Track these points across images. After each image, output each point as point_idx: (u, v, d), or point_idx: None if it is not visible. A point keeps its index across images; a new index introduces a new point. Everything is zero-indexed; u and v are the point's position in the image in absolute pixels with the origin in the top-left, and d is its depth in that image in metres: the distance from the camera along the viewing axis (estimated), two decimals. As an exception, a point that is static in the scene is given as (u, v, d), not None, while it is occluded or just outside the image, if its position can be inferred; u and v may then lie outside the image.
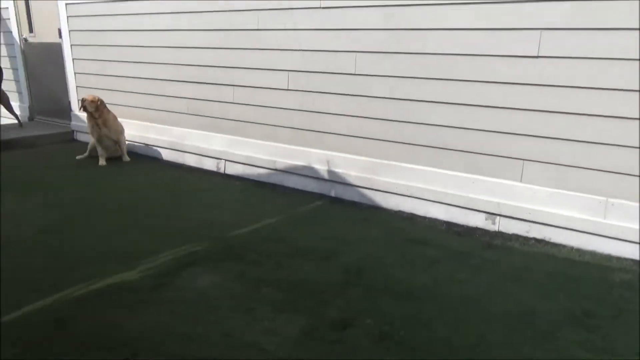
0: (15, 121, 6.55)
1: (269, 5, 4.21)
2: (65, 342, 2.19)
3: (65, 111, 6.55)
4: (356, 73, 3.85)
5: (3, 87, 6.36)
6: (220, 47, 4.65)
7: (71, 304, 2.50)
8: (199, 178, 4.78)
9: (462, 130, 3.48)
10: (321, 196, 4.22)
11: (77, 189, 4.44)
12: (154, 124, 5.51)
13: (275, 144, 4.51)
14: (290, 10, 4.09)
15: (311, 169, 4.29)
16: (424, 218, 3.72)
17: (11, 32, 6.92)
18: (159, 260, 2.96)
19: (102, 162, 5.26)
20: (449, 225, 3.59)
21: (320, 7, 3.93)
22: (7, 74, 7.06)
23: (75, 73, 6.16)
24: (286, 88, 4.29)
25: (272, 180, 4.56)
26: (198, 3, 4.68)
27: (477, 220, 3.53)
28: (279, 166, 4.48)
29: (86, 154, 5.50)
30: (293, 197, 4.23)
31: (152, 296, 2.58)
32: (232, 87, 4.67)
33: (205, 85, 4.89)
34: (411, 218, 3.74)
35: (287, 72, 4.25)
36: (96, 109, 5.06)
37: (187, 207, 3.95)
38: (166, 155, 5.44)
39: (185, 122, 5.19)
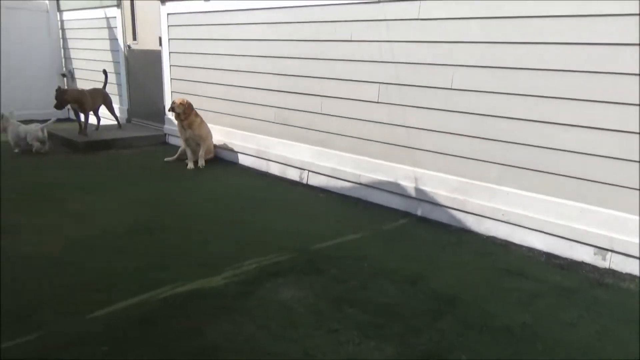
0: (115, 122, 7.00)
1: (363, 17, 4.13)
2: (150, 345, 2.20)
3: (159, 115, 6.90)
4: (452, 87, 3.65)
5: (106, 90, 6.84)
6: (311, 57, 4.65)
7: (157, 305, 2.53)
8: (283, 187, 4.78)
9: (568, 153, 3.16)
10: (406, 214, 4.04)
11: (165, 190, 4.60)
12: (241, 131, 5.62)
13: (361, 158, 4.40)
14: (385, 21, 3.98)
15: (397, 185, 4.12)
16: (520, 247, 3.42)
17: (117, 39, 7.44)
18: (243, 267, 2.93)
19: (190, 165, 5.43)
20: (549, 257, 3.26)
21: (417, 19, 3.78)
22: (111, 78, 7.59)
23: (171, 79, 6.47)
24: (376, 101, 4.18)
25: (355, 194, 4.45)
26: (289, 14, 4.72)
27: (583, 254, 3.18)
28: (363, 180, 4.36)
29: (175, 156, 5.72)
30: (377, 213, 4.08)
31: (235, 304, 2.54)
32: (321, 97, 4.64)
33: (294, 94, 4.90)
34: (505, 245, 3.45)
35: (378, 84, 4.14)
36: (183, 111, 5.26)
37: (271, 216, 3.93)
38: (251, 162, 5.52)
39: (271, 130, 5.23)
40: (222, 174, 5.21)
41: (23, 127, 5.81)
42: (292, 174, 5.04)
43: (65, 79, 8.81)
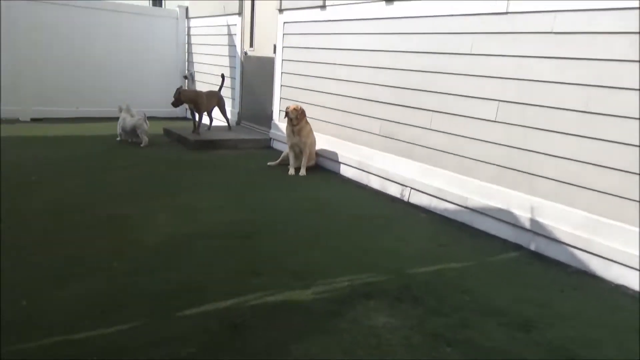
0: (225, 124, 7.31)
1: (486, 29, 3.83)
2: (236, 352, 2.13)
3: (267, 119, 7.08)
4: (589, 111, 3.21)
5: (221, 94, 7.18)
6: (424, 70, 4.42)
7: (247, 311, 2.47)
8: (382, 203, 4.59)
9: None
10: (517, 247, 3.63)
11: (265, 194, 4.63)
12: (344, 141, 5.53)
13: (470, 179, 4.06)
14: (513, 34, 3.64)
15: (509, 213, 3.73)
16: (659, 302, 2.88)
17: (235, 46, 7.79)
18: (335, 284, 2.79)
19: (291, 171, 5.46)
20: (699, 321, 2.69)
21: (551, 32, 3.40)
22: (226, 82, 7.98)
23: (281, 85, 6.60)
24: (493, 119, 3.83)
25: (460, 218, 4.12)
26: (403, 25, 4.54)
27: None
28: (470, 204, 4.02)
29: (277, 161, 5.79)
30: (483, 241, 3.73)
31: (322, 323, 2.40)
32: (431, 112, 4.38)
33: (402, 107, 4.69)
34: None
35: (497, 102, 3.80)
36: (296, 117, 5.29)
37: (367, 232, 3.76)
38: (351, 173, 5.40)
39: (375, 143, 5.07)
40: (322, 183, 5.15)
41: (130, 120, 6.34)
42: (393, 190, 4.83)
43: (186, 80, 9.44)
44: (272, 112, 6.90)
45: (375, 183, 5.06)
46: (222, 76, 7.30)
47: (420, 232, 3.86)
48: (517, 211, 3.68)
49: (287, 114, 5.32)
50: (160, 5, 10.87)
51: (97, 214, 3.75)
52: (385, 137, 4.93)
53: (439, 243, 3.63)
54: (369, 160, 5.13)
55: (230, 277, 2.83)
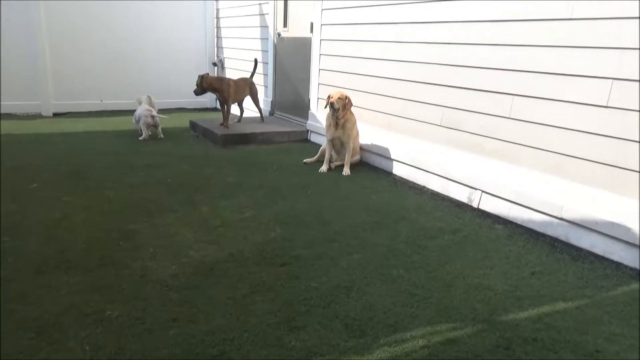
0: (258, 114, 6.56)
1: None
2: None
3: (303, 109, 6.29)
4: None
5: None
6: (497, 43, 3.51)
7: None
8: (446, 210, 3.73)
9: None
10: (638, 274, 2.73)
11: (303, 200, 3.86)
12: (396, 134, 4.68)
13: (566, 182, 3.16)
14: (634, -13, 2.69)
15: (624, 228, 2.82)
16: None
17: (267, 27, 7.00)
18: (405, 342, 1.99)
19: (324, 167, 4.68)
20: None
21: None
22: (258, 67, 7.23)
23: (319, 70, 5.79)
24: (604, 104, 2.91)
25: (552, 232, 3.23)
26: (480, -14, 3.63)
27: None
28: (567, 214, 3.12)
29: (315, 158, 5.01)
30: (590, 265, 2.83)
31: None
32: (511, 96, 3.48)
33: (470, 91, 3.80)
34: None
35: (610, 80, 2.87)
36: (342, 107, 4.48)
37: (435, 254, 2.92)
38: (404, 172, 4.55)
39: (434, 135, 4.21)
40: (369, 185, 4.32)
41: (137, 111, 5.83)
42: (458, 193, 3.96)
43: (216, 67, 8.76)
44: (309, 100, 6.10)
45: (435, 184, 4.20)
46: (255, 61, 6.53)
47: (503, 253, 2.99)
48: (635, 226, 2.77)
49: (330, 104, 4.47)
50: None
51: (96, 235, 3.07)
52: (448, 128, 4.06)
53: (532, 269, 2.76)
54: (428, 157, 4.27)
55: (259, 332, 2.06)
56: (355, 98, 4.80)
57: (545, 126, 3.28)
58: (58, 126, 6.54)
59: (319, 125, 5.81)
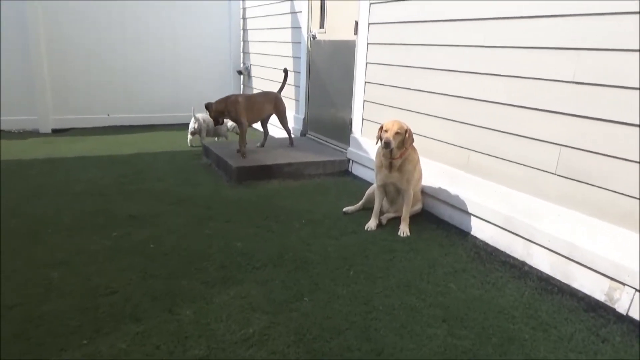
0: (286, 136, 5.26)
1: None
2: None
3: (343, 131, 4.96)
4: None
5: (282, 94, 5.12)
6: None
7: None
8: (573, 321, 2.28)
9: None
10: None
11: (337, 284, 2.51)
12: (474, 176, 3.28)
13: None
14: None
15: None
16: None
17: (300, 27, 5.70)
18: None
19: (372, 223, 3.33)
20: None
21: None
22: (288, 78, 5.95)
23: (365, 82, 4.43)
24: None
25: None
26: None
27: None
28: None
29: (359, 204, 3.67)
30: None
31: None
32: None
33: (621, 126, 2.36)
34: None
35: None
36: (401, 144, 3.12)
37: None
38: (490, 235, 3.13)
39: (544, 187, 2.78)
40: (441, 258, 2.93)
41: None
42: (588, 285, 2.51)
43: (241, 76, 7.54)
44: (350, 120, 4.76)
45: (543, 262, 2.76)
46: (285, 71, 5.20)
47: None
48: None
49: (387, 144, 3.05)
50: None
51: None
52: (572, 179, 2.62)
53: None
54: (529, 217, 2.84)
55: None
56: (414, 123, 3.40)
57: None
58: (48, 148, 5.43)
59: (363, 154, 4.45)
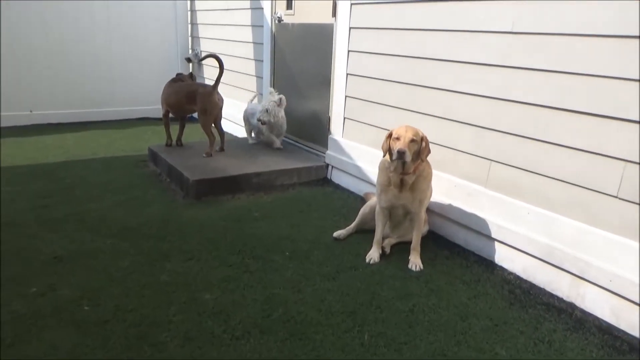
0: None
1: None
2: None
3: (319, 131, 4.24)
4: None
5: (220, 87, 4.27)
6: None
7: None
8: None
9: None
10: None
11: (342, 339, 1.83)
12: (495, 192, 2.67)
13: None
14: None
15: None
16: None
17: (262, 8, 4.88)
18: None
19: (374, 254, 2.67)
20: None
21: None
22: (248, 68, 5.12)
23: (347, 74, 3.72)
24: None
25: None
26: None
27: None
28: None
29: (352, 226, 2.99)
30: None
31: None
32: None
33: None
34: None
35: None
36: (417, 155, 2.44)
37: None
38: (524, 267, 2.55)
39: (600, 212, 2.21)
40: (468, 299, 2.32)
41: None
42: (669, 341, 1.98)
43: (190, 64, 6.60)
44: (329, 119, 4.04)
45: (600, 307, 2.20)
46: (218, 59, 4.31)
47: None
48: None
49: (400, 155, 2.37)
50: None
51: None
52: (636, 204, 2.06)
53: None
54: (583, 252, 2.26)
55: None
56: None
57: None
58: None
59: (345, 160, 3.76)
